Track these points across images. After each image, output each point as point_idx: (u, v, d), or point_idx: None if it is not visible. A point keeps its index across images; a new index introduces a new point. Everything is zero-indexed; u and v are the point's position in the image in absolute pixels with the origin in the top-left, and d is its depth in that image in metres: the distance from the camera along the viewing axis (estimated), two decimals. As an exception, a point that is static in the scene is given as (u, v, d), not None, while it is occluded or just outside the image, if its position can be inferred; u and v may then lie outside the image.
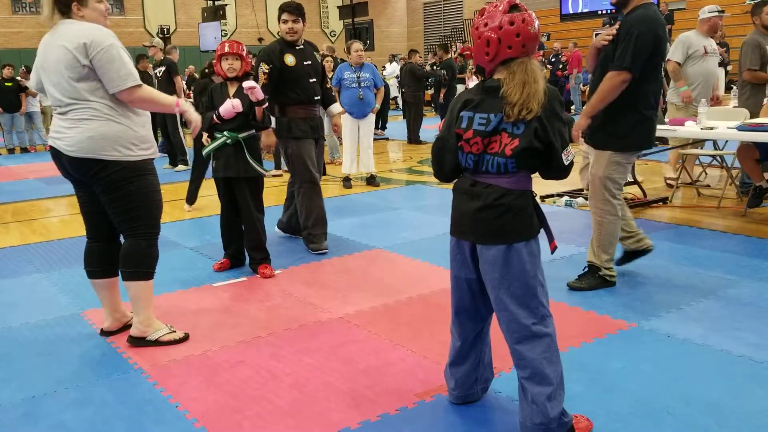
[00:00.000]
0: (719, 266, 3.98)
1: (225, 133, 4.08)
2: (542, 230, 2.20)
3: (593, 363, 2.79)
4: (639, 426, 2.30)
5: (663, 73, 3.66)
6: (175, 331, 3.22)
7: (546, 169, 2.16)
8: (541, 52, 15.58)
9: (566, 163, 2.11)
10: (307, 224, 4.70)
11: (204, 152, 4.21)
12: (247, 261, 4.34)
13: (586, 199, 5.89)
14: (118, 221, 3.08)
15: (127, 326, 3.31)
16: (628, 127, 3.46)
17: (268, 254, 4.28)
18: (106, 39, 2.87)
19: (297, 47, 4.64)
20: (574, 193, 6.05)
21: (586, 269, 3.74)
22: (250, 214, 4.17)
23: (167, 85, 8.84)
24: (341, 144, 8.03)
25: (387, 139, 12.18)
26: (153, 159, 3.10)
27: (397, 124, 13.94)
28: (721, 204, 5.52)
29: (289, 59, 4.56)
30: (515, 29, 2.06)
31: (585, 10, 8.46)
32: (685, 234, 4.80)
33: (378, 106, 7.26)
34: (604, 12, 8.37)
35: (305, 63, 4.63)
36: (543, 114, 2.05)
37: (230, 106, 3.98)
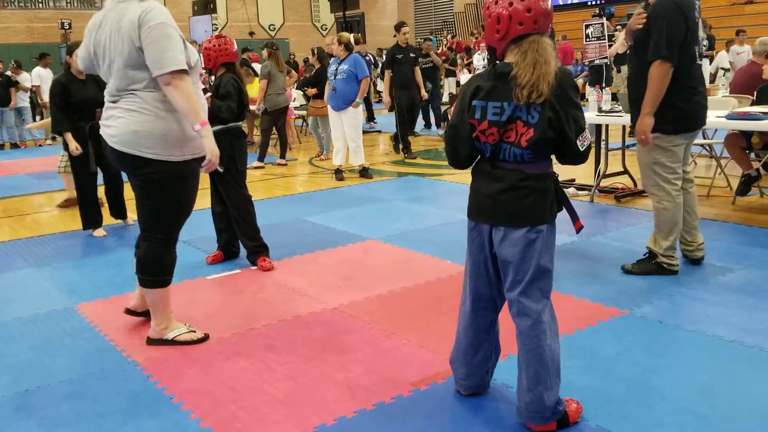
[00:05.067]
0: (709, 253, 4.01)
1: None
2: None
3: (587, 349, 2.82)
4: (632, 410, 2.33)
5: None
6: (194, 331, 3.14)
7: (562, 154, 2.13)
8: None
9: (582, 149, 2.07)
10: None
11: None
12: (245, 253, 4.33)
13: (577, 189, 5.94)
14: (142, 218, 3.00)
15: (145, 312, 3.28)
16: (667, 109, 3.44)
17: (262, 244, 4.24)
18: (158, 17, 2.68)
19: None
20: (567, 183, 6.08)
21: (646, 254, 3.73)
22: (231, 205, 4.17)
23: None
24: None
25: (380, 131, 12.17)
26: (198, 158, 2.89)
27: (386, 116, 13.90)
28: (711, 193, 5.56)
29: None
30: (526, 4, 2.01)
31: (574, 1, 8.46)
32: (675, 222, 4.82)
33: (359, 99, 7.09)
34: (593, 2, 8.37)
35: None
36: (555, 100, 2.01)
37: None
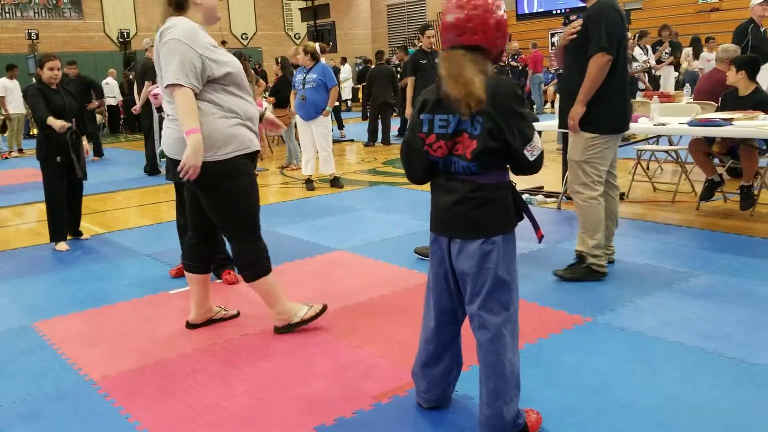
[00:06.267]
0: (673, 259, 4.06)
1: None
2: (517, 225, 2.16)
3: (548, 358, 2.81)
4: (592, 420, 2.32)
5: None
6: (312, 306, 3.29)
7: (513, 164, 2.11)
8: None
9: (531, 159, 2.03)
10: None
11: (158, 151, 4.26)
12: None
13: (546, 196, 5.97)
14: (219, 221, 3.10)
15: (210, 321, 3.39)
16: (605, 109, 3.52)
17: (228, 256, 4.16)
18: (172, 33, 2.86)
19: None
20: (535, 191, 6.11)
21: (576, 259, 3.76)
22: None
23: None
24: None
25: (352, 140, 12.16)
26: (246, 155, 3.02)
27: (358, 126, 13.91)
28: (676, 198, 5.63)
29: None
30: (442, 15, 2.05)
31: (540, 10, 8.57)
32: (641, 228, 4.88)
33: (329, 108, 7.07)
34: (558, 12, 8.48)
35: None
36: (494, 111, 1.99)
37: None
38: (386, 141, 11.30)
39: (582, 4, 3.72)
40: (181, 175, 2.88)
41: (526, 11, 8.89)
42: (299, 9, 14.37)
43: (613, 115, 3.56)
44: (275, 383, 2.73)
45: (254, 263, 3.13)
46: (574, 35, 3.55)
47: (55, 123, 4.85)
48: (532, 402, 2.41)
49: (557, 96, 9.70)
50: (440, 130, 2.07)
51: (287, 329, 3.23)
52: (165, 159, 4.19)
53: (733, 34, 7.26)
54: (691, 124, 4.76)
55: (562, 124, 3.74)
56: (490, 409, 2.13)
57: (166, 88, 2.90)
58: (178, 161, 2.88)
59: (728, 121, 4.62)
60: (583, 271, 3.69)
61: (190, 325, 3.38)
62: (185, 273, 3.35)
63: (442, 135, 2.07)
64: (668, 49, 10.88)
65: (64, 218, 5.18)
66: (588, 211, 3.64)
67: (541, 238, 2.24)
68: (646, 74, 10.77)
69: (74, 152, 5.00)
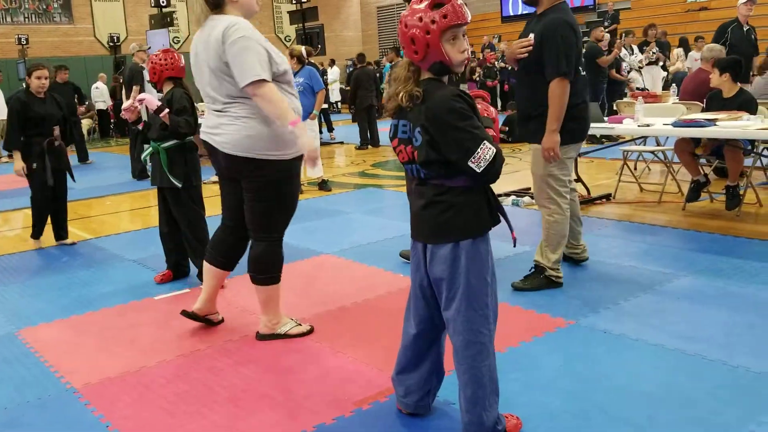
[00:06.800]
0: (657, 261, 4.07)
1: (151, 142, 4.08)
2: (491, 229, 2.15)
3: (531, 361, 2.82)
4: (569, 424, 2.33)
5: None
6: (301, 325, 3.27)
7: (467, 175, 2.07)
8: (494, 53, 15.66)
9: (478, 171, 1.97)
10: None
11: (142, 158, 4.27)
12: (195, 271, 4.25)
13: (532, 198, 5.98)
14: (255, 221, 3.09)
15: (205, 319, 3.39)
16: (563, 121, 3.48)
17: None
18: (238, 32, 2.82)
19: None
20: (521, 193, 6.12)
21: (533, 269, 3.77)
22: (183, 223, 4.12)
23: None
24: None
25: (342, 143, 12.15)
26: (298, 156, 3.04)
27: (348, 128, 13.92)
28: (662, 199, 5.65)
29: None
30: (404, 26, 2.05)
31: (525, 12, 8.62)
32: (627, 229, 4.89)
33: (316, 111, 7.05)
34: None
35: None
36: (428, 125, 1.99)
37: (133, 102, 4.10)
38: (375, 143, 11.31)
39: (532, 10, 3.63)
40: (310, 165, 2.93)
41: (511, 13, 8.94)
42: (288, 12, 14.36)
43: (571, 126, 3.52)
44: (256, 390, 2.72)
45: (275, 268, 3.15)
46: (526, 54, 3.49)
47: (18, 162, 5.00)
48: (513, 406, 2.41)
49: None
50: (402, 134, 2.09)
51: (270, 338, 3.22)
52: (151, 164, 4.20)
53: (714, 33, 7.32)
54: (676, 125, 4.78)
55: (520, 136, 3.72)
56: (470, 416, 2.13)
57: (247, 86, 2.81)
58: (239, 158, 2.90)
59: (712, 122, 4.65)
60: (541, 282, 3.70)
61: (187, 313, 3.35)
62: (207, 265, 3.30)
63: (403, 140, 2.09)
64: (655, 49, 10.91)
65: (44, 220, 5.30)
66: (553, 226, 3.65)
67: (515, 240, 2.24)
68: (639, 72, 10.79)
69: (55, 160, 5.06)
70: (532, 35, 3.48)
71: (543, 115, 3.48)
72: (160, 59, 4.09)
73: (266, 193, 3.02)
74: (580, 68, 3.58)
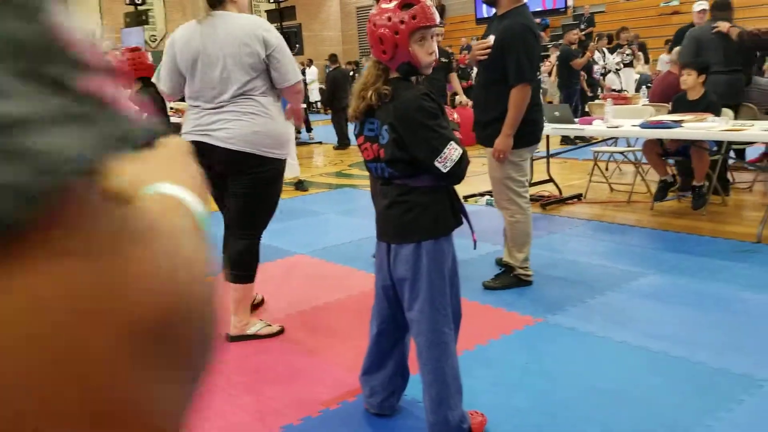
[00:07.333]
0: (625, 259, 4.14)
1: None
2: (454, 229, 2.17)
3: (498, 359, 2.85)
4: (536, 421, 2.36)
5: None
6: (270, 325, 3.28)
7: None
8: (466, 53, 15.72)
9: (444, 171, 1.98)
10: None
11: None
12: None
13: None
14: (243, 217, 3.10)
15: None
16: (519, 124, 3.51)
17: None
18: (277, 34, 2.97)
19: None
20: (495, 193, 6.17)
21: (503, 269, 3.81)
22: None
23: None
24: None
25: (320, 143, 12.14)
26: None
27: (327, 128, 13.91)
28: (632, 198, 5.74)
29: None
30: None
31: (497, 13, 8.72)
32: (597, 229, 4.97)
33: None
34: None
35: None
36: (397, 123, 2.01)
37: None
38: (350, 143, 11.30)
39: (492, 11, 3.66)
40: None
41: (485, 15, 9.02)
42: (266, 11, 14.30)
43: (526, 130, 3.54)
44: (223, 391, 2.72)
45: (252, 266, 3.18)
46: (486, 56, 3.50)
47: None
48: (479, 404, 2.43)
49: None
50: (369, 132, 2.11)
51: (240, 339, 3.21)
52: None
53: (673, 37, 7.45)
54: (643, 126, 4.86)
55: (478, 139, 3.71)
56: (435, 416, 2.15)
57: (293, 85, 2.98)
58: (241, 153, 2.93)
59: (678, 123, 4.73)
60: (511, 280, 3.74)
61: None
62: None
63: (369, 138, 2.10)
64: (628, 51, 11.07)
65: None
66: (516, 227, 3.69)
67: (475, 242, 2.28)
68: (617, 74, 10.92)
69: None
70: (491, 37, 3.50)
71: (501, 120, 3.49)
72: (128, 59, 4.07)
73: (258, 190, 3.05)
74: (538, 72, 3.63)
